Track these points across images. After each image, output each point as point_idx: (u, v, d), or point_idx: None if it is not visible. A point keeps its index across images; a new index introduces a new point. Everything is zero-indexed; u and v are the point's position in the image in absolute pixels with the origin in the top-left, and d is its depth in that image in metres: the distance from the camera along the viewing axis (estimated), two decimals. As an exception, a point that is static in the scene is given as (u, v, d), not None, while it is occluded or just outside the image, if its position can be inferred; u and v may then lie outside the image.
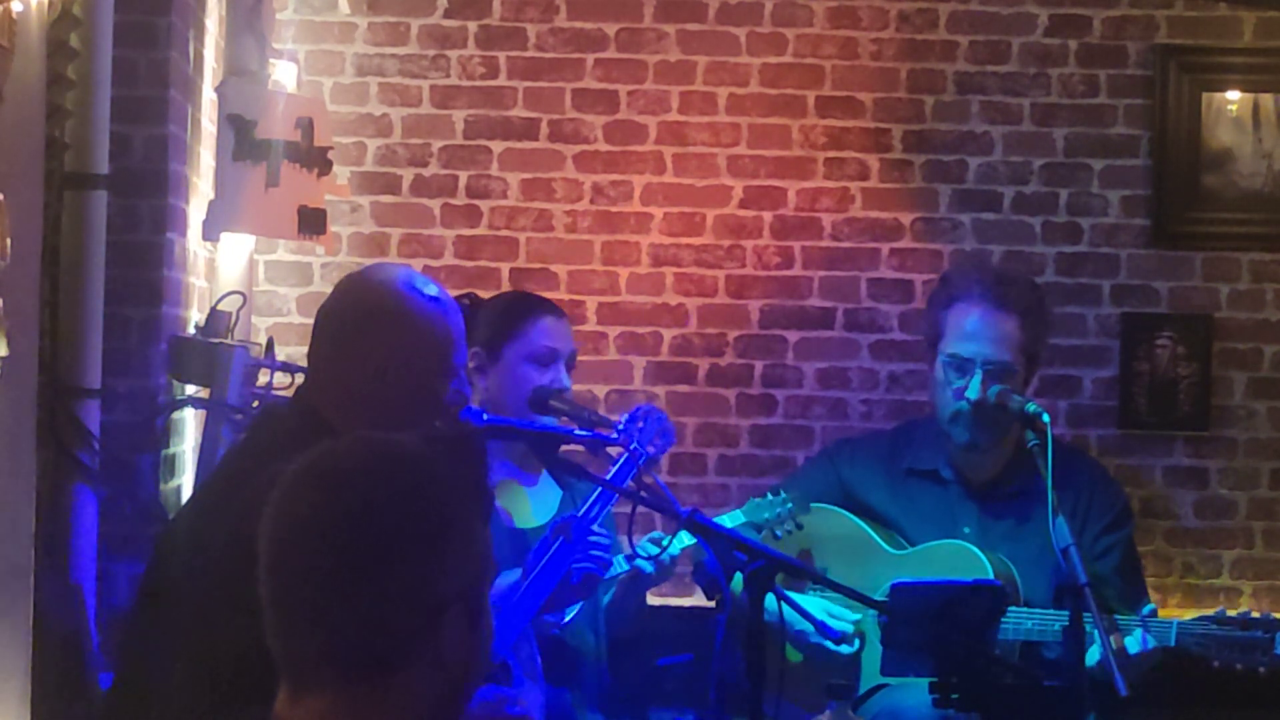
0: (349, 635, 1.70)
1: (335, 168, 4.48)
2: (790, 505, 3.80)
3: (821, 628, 3.60)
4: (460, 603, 1.72)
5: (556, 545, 3.49)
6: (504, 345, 3.75)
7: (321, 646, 1.71)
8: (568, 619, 3.65)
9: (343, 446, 1.79)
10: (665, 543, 3.58)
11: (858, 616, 3.76)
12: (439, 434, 1.83)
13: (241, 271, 4.57)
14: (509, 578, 3.46)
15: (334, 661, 1.71)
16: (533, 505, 3.81)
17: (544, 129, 4.90)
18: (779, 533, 3.78)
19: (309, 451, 1.78)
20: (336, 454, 1.77)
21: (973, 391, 3.84)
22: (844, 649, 3.75)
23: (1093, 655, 3.40)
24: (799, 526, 3.80)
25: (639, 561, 3.62)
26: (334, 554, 1.71)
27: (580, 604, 3.64)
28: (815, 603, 3.76)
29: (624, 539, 3.51)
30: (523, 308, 3.84)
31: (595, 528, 3.53)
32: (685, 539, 3.64)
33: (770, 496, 3.82)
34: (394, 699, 1.71)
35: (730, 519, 3.76)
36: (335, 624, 1.70)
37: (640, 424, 3.68)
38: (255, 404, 3.87)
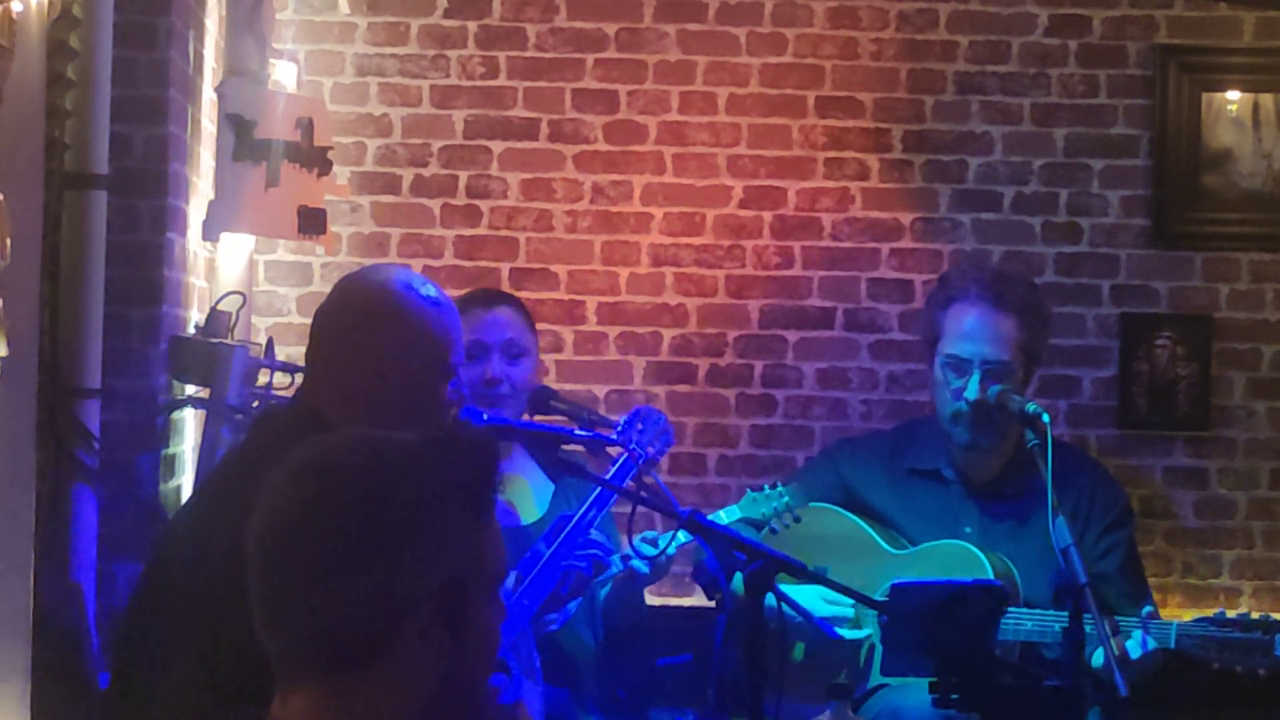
0: (320, 629, 1.71)
1: (335, 168, 4.48)
2: (787, 499, 3.78)
3: (822, 627, 3.60)
4: (437, 601, 1.71)
5: (554, 547, 3.50)
6: None
7: (296, 641, 1.72)
8: (567, 616, 3.65)
9: (326, 441, 1.79)
10: (661, 543, 3.58)
11: (857, 622, 3.76)
12: (446, 435, 1.82)
13: (241, 271, 4.57)
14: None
15: (308, 657, 1.72)
16: (534, 499, 3.82)
17: (544, 129, 4.90)
18: (775, 527, 3.77)
19: (297, 447, 1.79)
20: (318, 448, 1.77)
21: (971, 391, 3.85)
22: (850, 634, 3.75)
23: (1098, 657, 3.40)
24: (796, 520, 3.79)
25: (634, 562, 3.61)
26: (303, 546, 1.71)
27: (578, 601, 3.64)
28: (812, 590, 3.73)
29: (623, 538, 3.51)
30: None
31: (593, 531, 3.54)
32: (681, 537, 3.64)
33: (767, 490, 3.81)
34: (371, 695, 1.71)
35: (726, 514, 3.75)
36: (306, 617, 1.71)
37: (639, 426, 3.68)
38: (255, 404, 3.87)
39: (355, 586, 1.70)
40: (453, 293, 3.80)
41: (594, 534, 3.55)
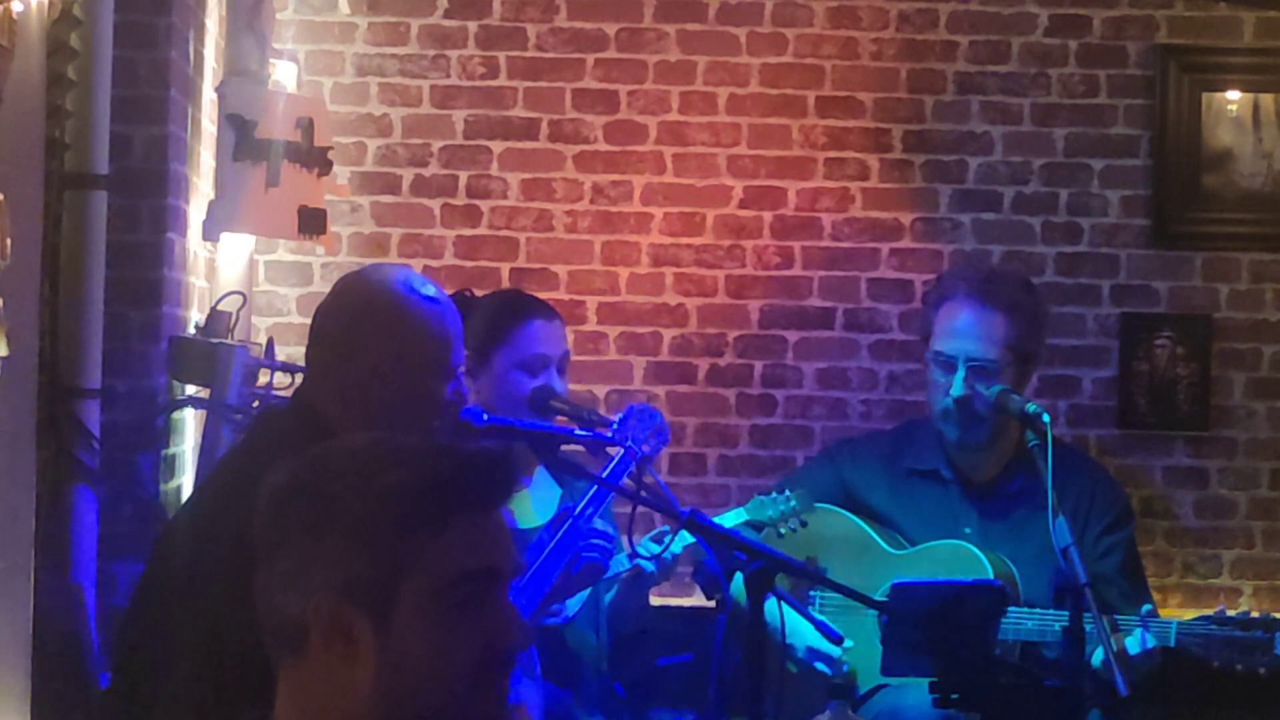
0: (263, 615, 1.73)
1: (335, 168, 4.48)
2: (794, 503, 3.78)
3: (821, 627, 3.59)
4: (332, 599, 1.69)
5: (557, 538, 3.49)
6: (493, 350, 3.72)
7: (263, 627, 1.74)
8: (570, 614, 3.65)
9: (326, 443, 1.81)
10: (667, 541, 3.58)
11: (850, 645, 3.71)
12: (413, 445, 1.79)
13: (241, 271, 4.57)
14: None
15: (268, 643, 1.74)
16: (532, 504, 3.81)
17: (544, 129, 4.90)
18: (782, 531, 3.77)
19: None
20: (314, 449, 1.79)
21: (956, 389, 3.85)
22: (835, 677, 3.72)
23: (1097, 656, 3.40)
24: (803, 524, 3.79)
25: (640, 560, 3.61)
26: (260, 530, 1.74)
27: (585, 595, 3.64)
28: (805, 626, 3.71)
29: (624, 538, 3.51)
30: (512, 311, 3.79)
31: (597, 521, 3.53)
32: (686, 537, 3.63)
33: (774, 494, 3.81)
34: (311, 686, 1.71)
35: (733, 517, 3.75)
36: (259, 604, 1.74)
37: (634, 423, 3.67)
38: (255, 404, 3.87)
39: (277, 578, 1.72)
40: (450, 290, 3.79)
41: (597, 522, 3.54)
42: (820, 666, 3.71)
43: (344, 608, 1.69)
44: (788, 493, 3.80)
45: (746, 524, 3.75)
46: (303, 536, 1.71)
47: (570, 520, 3.51)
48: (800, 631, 3.68)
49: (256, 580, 1.74)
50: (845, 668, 3.72)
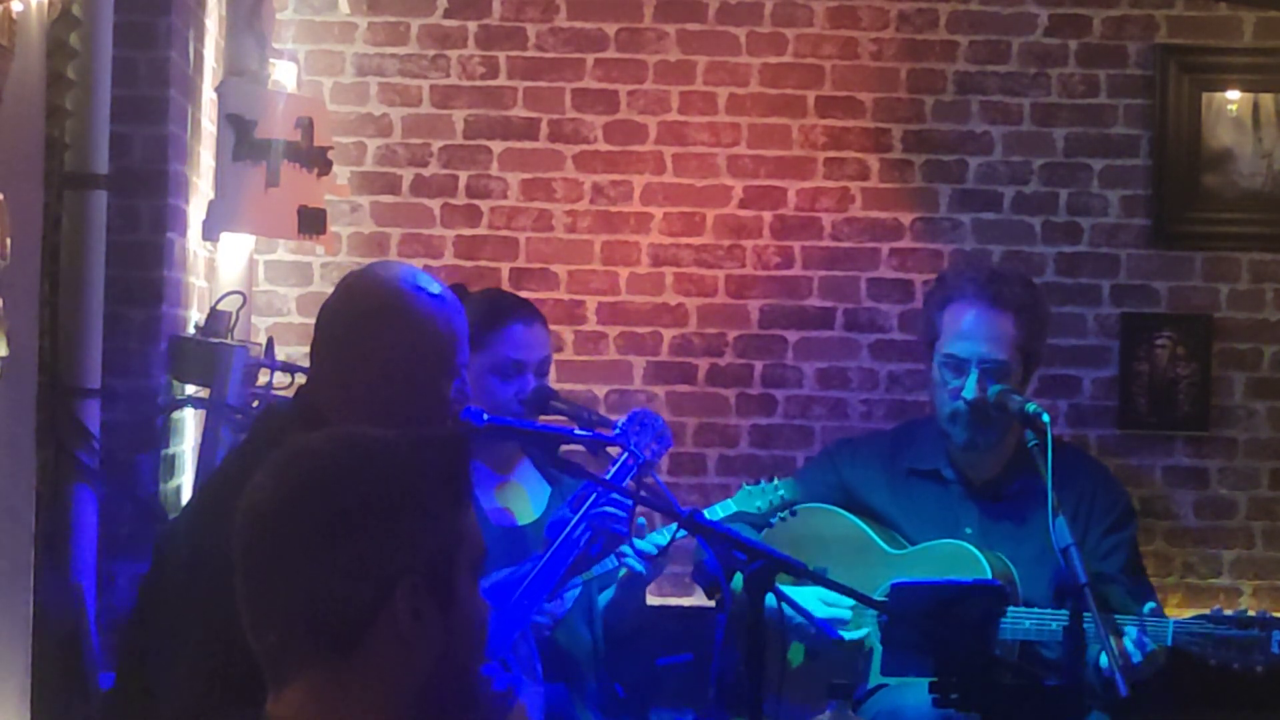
0: (299, 617, 1.73)
1: (335, 168, 4.48)
2: (782, 492, 3.75)
3: (822, 627, 3.59)
4: (414, 581, 1.73)
5: (578, 516, 3.48)
6: (471, 352, 3.71)
7: (280, 633, 1.74)
8: (563, 612, 3.64)
9: (305, 438, 1.82)
10: (649, 537, 3.57)
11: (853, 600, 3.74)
12: (423, 432, 1.84)
13: (241, 271, 4.57)
14: (502, 574, 3.46)
15: (293, 647, 1.74)
16: (530, 500, 3.81)
17: (544, 129, 4.90)
18: (772, 520, 3.75)
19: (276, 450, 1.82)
20: (297, 445, 1.80)
21: (969, 391, 3.84)
22: (849, 634, 3.74)
23: (1104, 658, 3.39)
24: (793, 514, 3.78)
25: (629, 560, 3.59)
26: (276, 536, 1.75)
27: (577, 593, 3.64)
28: (810, 591, 3.72)
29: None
30: (492, 315, 3.72)
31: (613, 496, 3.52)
32: (670, 530, 3.62)
33: (763, 484, 3.79)
34: (360, 680, 1.73)
35: (722, 508, 3.73)
36: (285, 607, 1.74)
37: (637, 428, 3.66)
38: (255, 404, 3.88)
39: (339, 573, 1.73)
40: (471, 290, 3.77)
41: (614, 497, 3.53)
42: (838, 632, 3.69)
43: (416, 593, 1.73)
44: (776, 481, 3.78)
45: (736, 515, 3.73)
46: (365, 524, 1.73)
47: (572, 522, 3.51)
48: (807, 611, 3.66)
49: (278, 586, 1.74)
50: (864, 630, 3.73)
